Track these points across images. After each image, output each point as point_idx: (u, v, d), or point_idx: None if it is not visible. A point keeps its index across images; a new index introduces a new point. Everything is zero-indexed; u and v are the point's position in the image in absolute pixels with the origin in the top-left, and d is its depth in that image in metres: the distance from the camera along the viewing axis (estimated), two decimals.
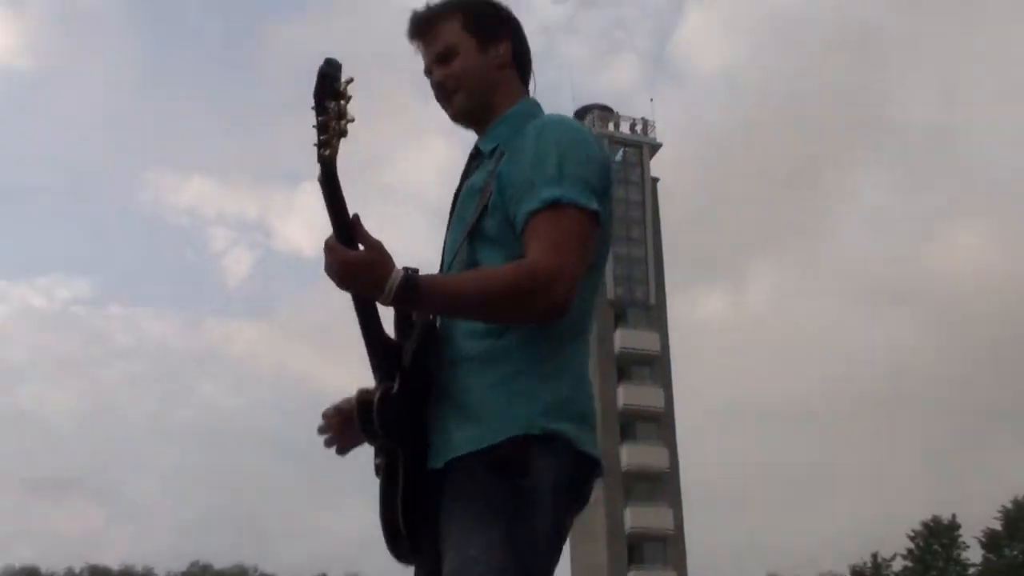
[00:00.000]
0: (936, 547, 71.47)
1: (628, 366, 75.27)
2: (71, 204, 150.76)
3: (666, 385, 76.72)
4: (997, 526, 69.06)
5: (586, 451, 2.96)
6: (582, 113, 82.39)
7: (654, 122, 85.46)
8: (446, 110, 3.31)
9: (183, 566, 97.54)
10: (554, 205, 2.88)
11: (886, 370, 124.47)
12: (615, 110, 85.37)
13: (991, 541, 69.10)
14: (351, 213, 2.86)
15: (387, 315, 3.03)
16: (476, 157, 3.24)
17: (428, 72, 3.29)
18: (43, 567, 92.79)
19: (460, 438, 2.94)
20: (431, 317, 3.02)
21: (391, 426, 2.97)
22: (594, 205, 2.91)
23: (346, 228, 2.84)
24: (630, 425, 73.40)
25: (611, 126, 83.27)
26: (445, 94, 3.26)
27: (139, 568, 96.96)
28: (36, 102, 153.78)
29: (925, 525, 71.98)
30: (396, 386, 2.97)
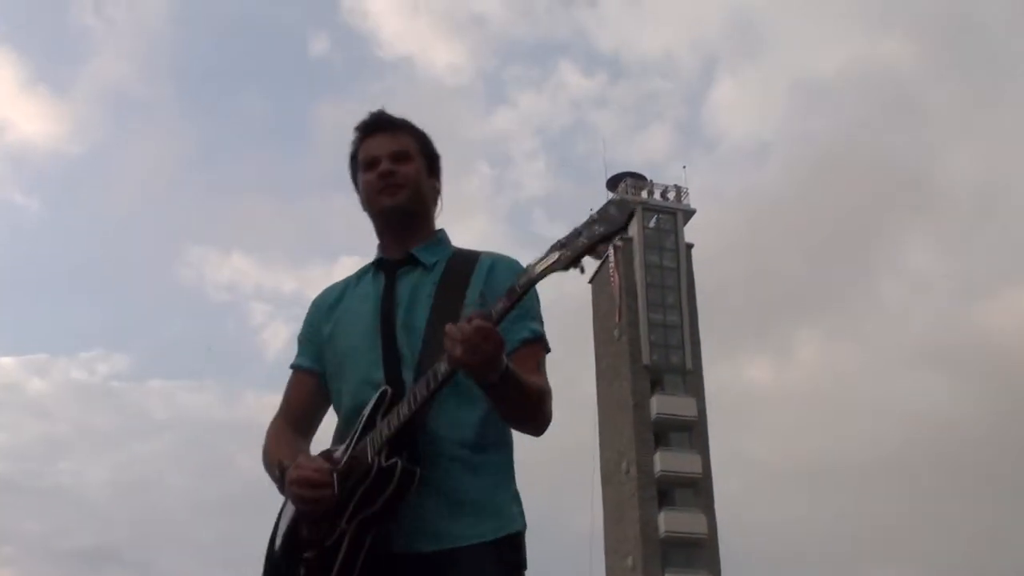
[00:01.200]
0: None
1: (665, 432, 74.69)
2: (115, 281, 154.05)
3: (703, 450, 75.97)
4: None
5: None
6: (615, 182, 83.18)
7: (687, 188, 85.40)
8: (383, 200, 3.55)
9: None
10: (539, 340, 3.40)
11: (929, 433, 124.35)
12: (648, 178, 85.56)
13: None
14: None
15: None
16: (403, 264, 3.55)
17: (373, 163, 3.56)
18: None
19: (463, 528, 3.22)
20: (408, 418, 3.17)
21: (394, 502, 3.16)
22: (549, 347, 3.46)
23: (501, 319, 3.07)
24: (668, 492, 72.83)
25: (644, 194, 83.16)
26: (393, 186, 3.52)
27: None
28: (83, 184, 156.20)
29: None
30: (399, 467, 3.14)
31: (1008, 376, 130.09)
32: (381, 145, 3.56)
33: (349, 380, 3.47)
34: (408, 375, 3.30)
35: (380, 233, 3.66)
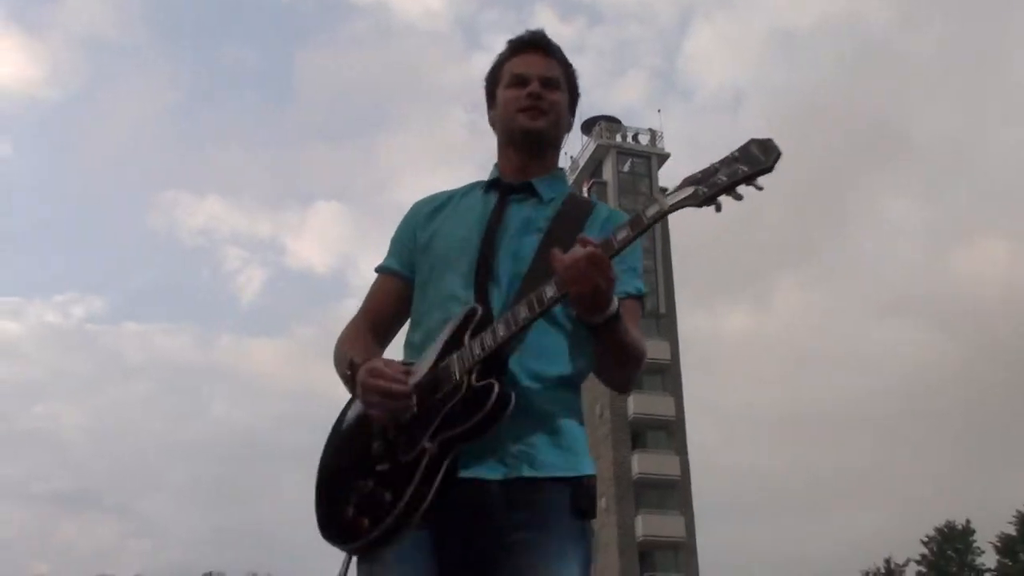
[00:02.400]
0: (950, 552, 70.75)
1: (641, 376, 74.21)
2: (89, 226, 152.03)
3: (676, 393, 76.63)
4: (1012, 531, 68.28)
5: None
6: (589, 125, 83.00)
7: (662, 132, 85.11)
8: (524, 121, 3.46)
9: None
10: (641, 298, 3.32)
11: (903, 379, 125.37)
12: (622, 122, 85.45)
13: (1006, 546, 68.15)
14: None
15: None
16: (520, 191, 3.48)
17: (522, 81, 3.48)
18: None
19: (552, 460, 3.13)
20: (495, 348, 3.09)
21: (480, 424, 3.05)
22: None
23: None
24: (641, 434, 73.46)
25: (618, 137, 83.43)
26: (537, 109, 3.44)
27: None
28: (57, 129, 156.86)
29: (939, 531, 71.29)
30: (496, 389, 3.04)
31: (981, 323, 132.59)
32: (534, 65, 3.49)
33: (437, 292, 3.40)
34: (498, 300, 3.25)
35: (505, 153, 3.58)
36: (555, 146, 3.54)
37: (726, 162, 2.86)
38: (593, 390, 61.78)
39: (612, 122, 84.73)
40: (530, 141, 3.46)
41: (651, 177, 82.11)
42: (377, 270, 3.62)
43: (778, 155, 2.83)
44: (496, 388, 3.00)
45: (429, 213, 3.59)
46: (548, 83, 3.45)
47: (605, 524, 67.83)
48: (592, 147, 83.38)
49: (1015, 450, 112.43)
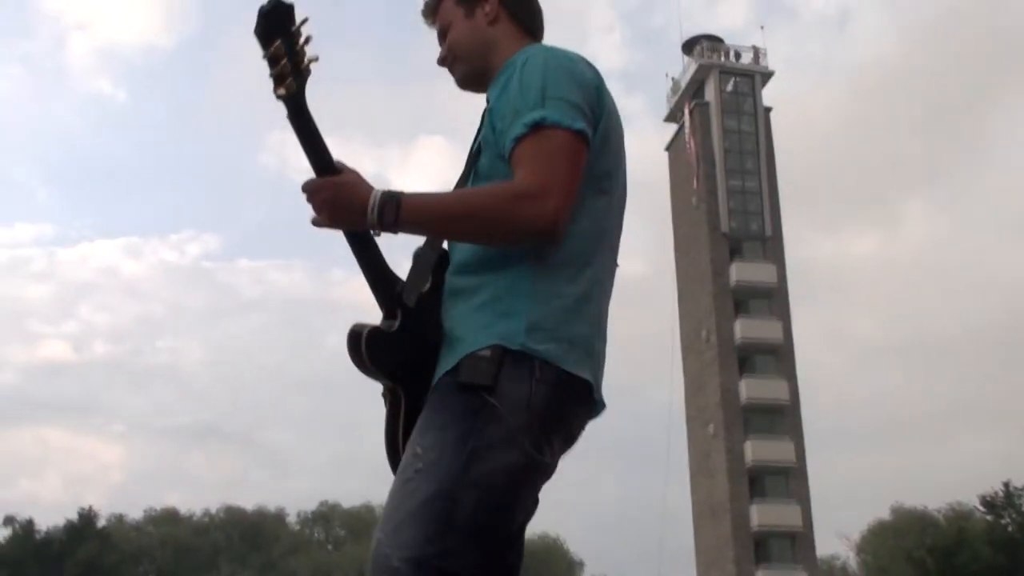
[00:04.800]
0: None
1: (745, 300, 74.16)
2: (202, 167, 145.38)
3: (784, 317, 73.72)
4: None
5: (574, 372, 2.89)
6: (690, 45, 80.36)
7: (765, 50, 77.66)
8: (456, 82, 3.36)
9: (313, 506, 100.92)
10: (537, 127, 2.85)
11: None
12: (725, 41, 78.88)
13: None
14: (334, 157, 2.94)
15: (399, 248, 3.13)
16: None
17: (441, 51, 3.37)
18: (183, 510, 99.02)
19: (442, 363, 2.94)
20: (439, 254, 3.06)
21: (381, 363, 2.96)
22: (579, 124, 2.88)
23: (327, 166, 2.93)
24: (749, 359, 73.55)
25: (720, 56, 78.51)
26: (448, 69, 3.33)
27: (271, 508, 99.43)
28: (174, 75, 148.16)
29: None
30: (396, 324, 2.98)
31: None
32: (438, 35, 3.38)
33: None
34: None
35: None
36: (479, 69, 3.26)
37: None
38: (698, 316, 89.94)
39: (714, 41, 79.98)
40: (467, 88, 3.34)
41: (755, 96, 77.73)
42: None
43: (259, 15, 2.82)
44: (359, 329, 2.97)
45: None
46: (441, 36, 3.34)
47: (713, 449, 72.96)
48: (693, 67, 79.89)
49: None
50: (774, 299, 74.44)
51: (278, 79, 2.84)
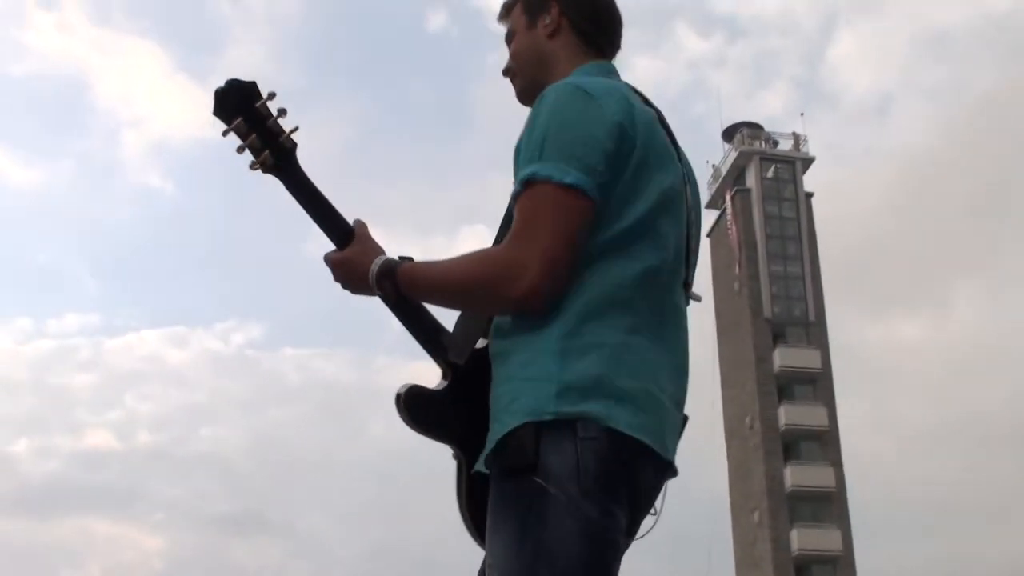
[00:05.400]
0: None
1: (789, 385, 73.66)
2: (247, 257, 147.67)
3: (829, 403, 73.27)
4: None
5: (626, 431, 2.63)
6: (730, 132, 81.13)
7: (806, 136, 78.45)
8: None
9: None
10: (529, 184, 2.72)
11: None
12: (764, 128, 79.61)
13: None
14: (349, 220, 2.96)
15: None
16: None
17: None
18: None
19: (488, 441, 2.77)
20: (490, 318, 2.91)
21: (424, 423, 2.88)
22: (570, 178, 2.67)
23: (341, 232, 2.95)
24: (794, 445, 72.86)
25: (760, 143, 79.11)
26: (510, 79, 3.22)
27: None
28: (221, 166, 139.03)
29: None
30: (444, 384, 2.92)
31: None
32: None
33: None
34: None
35: None
36: (535, 84, 3.05)
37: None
38: (742, 401, 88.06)
39: (754, 128, 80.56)
40: (525, 103, 3.13)
41: (796, 182, 78.19)
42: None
43: (215, 96, 2.88)
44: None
45: None
46: (508, 42, 3.21)
47: (759, 538, 72.13)
48: (734, 155, 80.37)
49: None
50: (818, 384, 73.93)
51: (253, 153, 2.90)
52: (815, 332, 75.72)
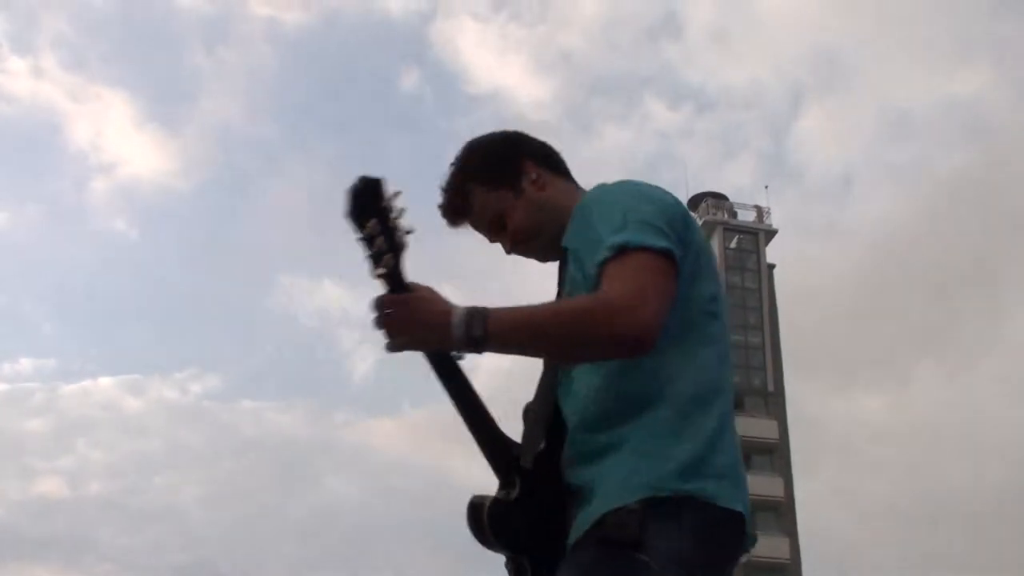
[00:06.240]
0: None
1: (747, 455, 72.91)
2: (208, 307, 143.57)
3: (785, 474, 73.56)
4: None
5: (728, 506, 2.74)
6: (695, 201, 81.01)
7: (768, 209, 79.19)
8: (535, 262, 3.21)
9: None
10: (621, 251, 2.73)
11: None
12: (728, 198, 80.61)
13: None
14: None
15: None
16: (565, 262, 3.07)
17: (494, 241, 3.22)
18: None
19: (579, 522, 2.77)
20: (552, 409, 2.94)
21: (505, 537, 2.87)
22: (662, 243, 2.74)
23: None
24: (750, 514, 72.58)
25: (724, 214, 79.85)
26: (524, 254, 3.19)
27: None
28: (186, 217, 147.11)
29: None
30: (515, 491, 2.87)
31: None
32: (480, 230, 3.22)
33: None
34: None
35: None
36: (553, 234, 3.04)
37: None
38: None
39: (718, 199, 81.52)
40: (550, 258, 3.16)
41: (759, 253, 78.79)
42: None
43: (350, 194, 2.72)
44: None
45: None
46: (496, 227, 3.17)
47: None
48: (698, 223, 77.86)
49: None
50: (775, 455, 74.15)
51: (375, 259, 2.72)
52: (774, 402, 76.25)
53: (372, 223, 2.70)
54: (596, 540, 2.67)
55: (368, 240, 2.70)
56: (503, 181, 3.13)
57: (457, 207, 3.18)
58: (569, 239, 2.93)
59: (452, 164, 3.20)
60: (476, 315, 2.65)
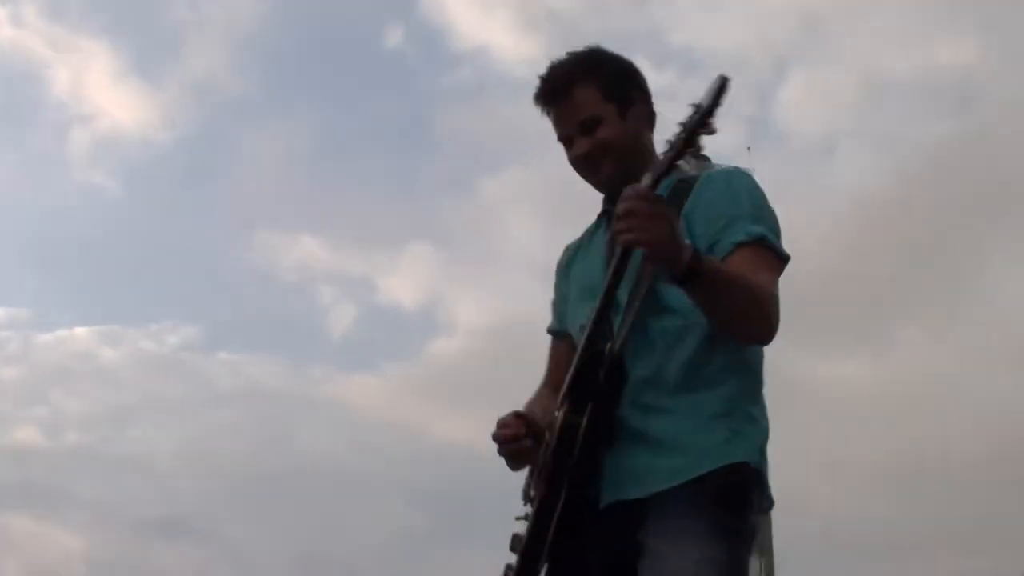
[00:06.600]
0: None
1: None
2: (189, 260, 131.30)
3: None
4: None
5: (772, 498, 3.02)
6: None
7: (752, 171, 73.28)
8: (588, 178, 3.26)
9: None
10: (760, 241, 2.94)
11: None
12: (709, 158, 75.75)
13: None
14: None
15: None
16: None
17: (566, 141, 3.24)
18: None
19: (667, 468, 2.92)
20: (618, 366, 3.00)
21: (588, 456, 2.95)
22: (785, 254, 3.02)
23: None
24: None
25: None
26: (591, 164, 3.21)
27: None
28: (164, 168, 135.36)
29: None
30: (585, 420, 2.94)
31: None
32: (564, 120, 3.24)
33: (578, 336, 3.18)
34: (617, 320, 3.06)
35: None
36: (628, 173, 3.02)
37: (694, 107, 2.68)
38: None
39: (700, 160, 76.09)
40: (606, 189, 3.25)
41: None
42: (549, 332, 3.50)
43: (723, 84, 2.64)
44: (558, 418, 3.00)
45: (565, 268, 3.49)
46: (586, 127, 3.19)
47: None
48: None
49: None
50: None
51: (688, 139, 2.70)
52: None
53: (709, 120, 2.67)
54: (711, 497, 2.87)
55: (696, 126, 2.67)
56: (617, 96, 3.21)
57: (557, 89, 3.24)
58: (692, 208, 3.06)
59: (572, 55, 3.27)
60: (698, 251, 2.80)
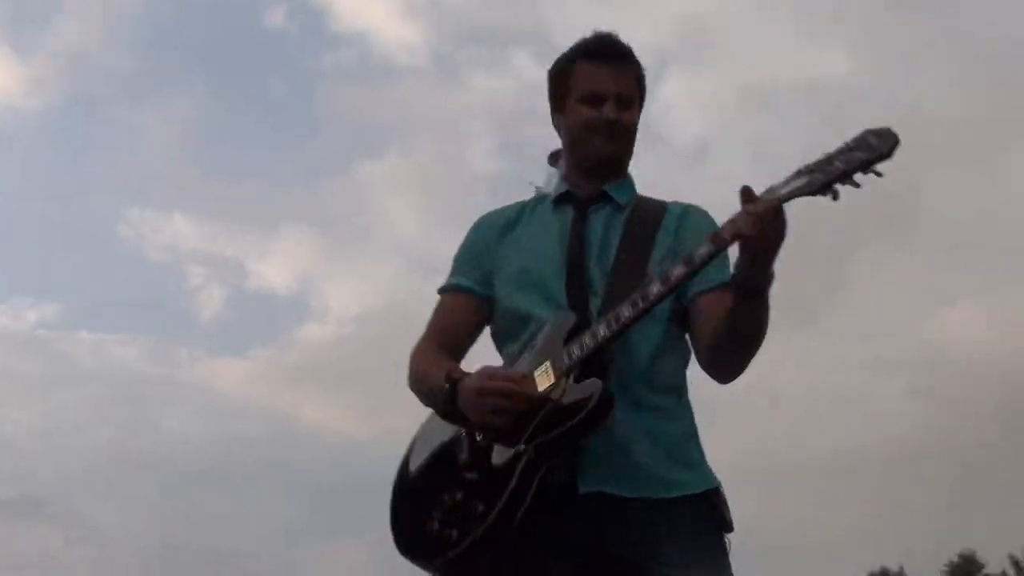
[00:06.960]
0: None
1: None
2: (52, 235, 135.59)
3: None
4: None
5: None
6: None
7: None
8: (600, 145, 3.22)
9: None
10: (725, 287, 2.94)
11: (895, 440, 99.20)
12: None
13: None
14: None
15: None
16: (595, 200, 3.25)
17: (596, 100, 3.21)
18: None
19: (676, 478, 2.99)
20: (606, 359, 2.98)
21: (575, 436, 2.91)
22: None
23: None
24: None
25: None
26: (614, 132, 3.20)
27: None
28: (35, 139, 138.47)
29: None
30: (594, 400, 2.89)
31: (962, 380, 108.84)
32: (608, 82, 3.22)
33: (530, 306, 3.18)
34: (595, 305, 3.06)
35: (577, 168, 3.34)
36: (628, 159, 3.29)
37: (841, 151, 2.67)
38: None
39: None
40: (602, 164, 3.25)
41: None
42: (443, 289, 3.38)
43: (896, 142, 2.63)
44: (599, 386, 2.88)
45: (502, 227, 3.39)
46: (623, 101, 3.22)
47: None
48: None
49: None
50: None
51: (843, 178, 2.68)
52: None
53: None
54: (710, 519, 3.06)
55: (850, 171, 2.66)
56: (641, 91, 3.32)
57: (625, 52, 3.30)
58: (688, 235, 3.15)
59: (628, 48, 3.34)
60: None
